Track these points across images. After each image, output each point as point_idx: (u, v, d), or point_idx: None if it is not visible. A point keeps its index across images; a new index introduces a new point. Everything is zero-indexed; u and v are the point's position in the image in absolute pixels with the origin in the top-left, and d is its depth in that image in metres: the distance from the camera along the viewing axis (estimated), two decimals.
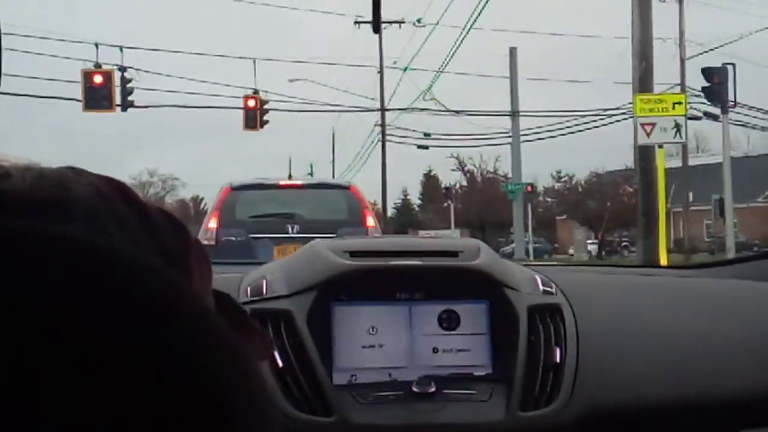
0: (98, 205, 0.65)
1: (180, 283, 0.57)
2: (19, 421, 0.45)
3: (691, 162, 36.23)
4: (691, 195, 34.38)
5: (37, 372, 0.46)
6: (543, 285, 1.80)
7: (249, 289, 1.74)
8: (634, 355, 1.74)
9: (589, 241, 45.40)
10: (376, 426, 1.57)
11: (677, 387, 1.70)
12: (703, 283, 2.22)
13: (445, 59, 30.36)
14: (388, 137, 33.93)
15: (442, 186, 56.61)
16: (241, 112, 23.27)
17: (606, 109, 31.58)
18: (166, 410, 0.48)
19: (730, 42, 33.52)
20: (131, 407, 0.48)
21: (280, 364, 1.58)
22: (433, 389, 1.61)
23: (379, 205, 34.46)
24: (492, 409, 1.60)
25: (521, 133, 29.39)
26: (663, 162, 13.69)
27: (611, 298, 1.94)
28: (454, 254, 1.81)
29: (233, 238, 9.26)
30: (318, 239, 1.91)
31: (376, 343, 1.69)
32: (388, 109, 33.91)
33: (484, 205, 49.22)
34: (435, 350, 1.70)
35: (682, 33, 31.87)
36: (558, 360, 1.65)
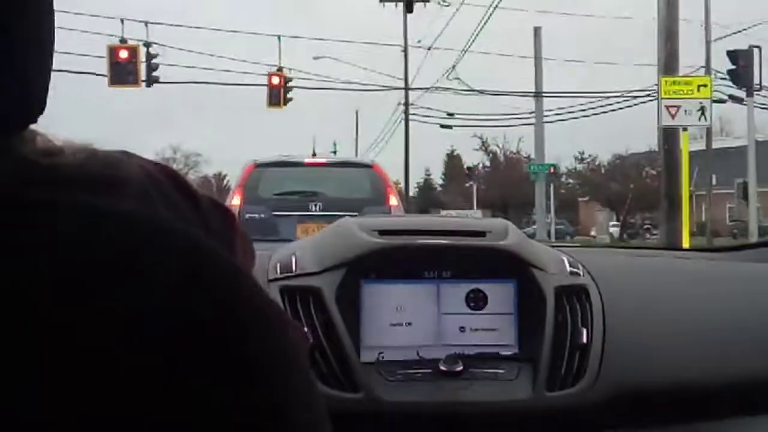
0: (148, 186, 0.66)
1: (234, 263, 0.59)
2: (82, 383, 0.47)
3: (715, 145, 35.92)
4: (714, 178, 34.13)
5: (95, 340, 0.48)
6: (570, 266, 1.81)
7: (278, 265, 1.76)
8: (660, 337, 1.75)
9: (611, 223, 45.24)
10: (404, 403, 1.59)
11: (703, 369, 1.71)
12: (729, 266, 2.22)
13: (470, 39, 30.26)
14: (411, 116, 33.90)
15: (465, 166, 56.55)
16: (265, 89, 23.30)
17: (630, 91, 31.29)
18: (225, 380, 0.51)
19: (756, 25, 33.13)
20: (192, 380, 0.50)
21: (309, 340, 1.60)
22: (460, 368, 1.63)
23: (402, 185, 34.46)
24: (519, 388, 1.62)
25: (545, 113, 29.26)
26: (687, 145, 13.61)
27: (638, 280, 1.95)
28: (482, 234, 1.82)
29: (256, 216, 9.28)
30: (347, 217, 1.92)
31: (404, 321, 1.70)
32: (411, 89, 33.84)
33: (507, 185, 49.16)
34: (462, 329, 1.72)
35: (707, 14, 31.58)
36: (584, 341, 1.66)
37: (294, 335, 0.59)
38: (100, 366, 0.48)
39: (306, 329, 1.61)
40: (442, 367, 1.63)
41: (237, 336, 0.53)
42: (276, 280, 1.71)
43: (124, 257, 0.52)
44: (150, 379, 0.49)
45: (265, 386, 0.53)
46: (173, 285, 0.52)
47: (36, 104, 0.62)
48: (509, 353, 1.70)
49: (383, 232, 1.78)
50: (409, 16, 33.44)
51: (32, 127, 0.64)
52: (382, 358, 1.67)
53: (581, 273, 1.81)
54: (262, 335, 0.55)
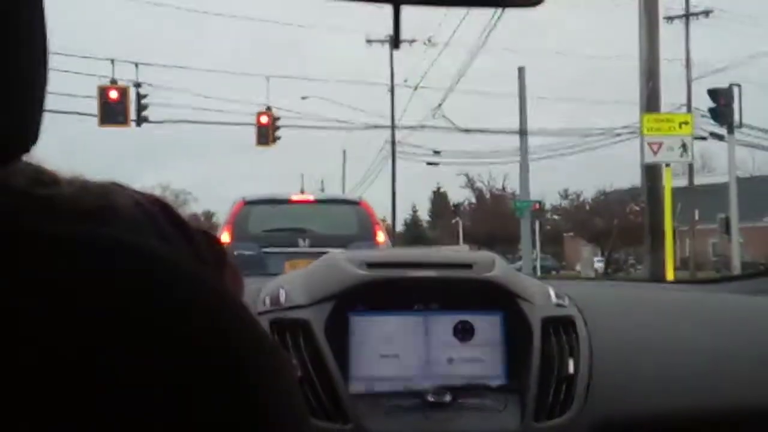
0: (139, 216, 0.67)
1: (224, 291, 0.60)
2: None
3: (697, 181, 36.13)
4: (696, 214, 34.25)
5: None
6: (556, 297, 1.82)
7: (267, 299, 1.76)
8: (646, 368, 1.76)
9: (596, 259, 45.27)
10: None
11: (689, 400, 1.72)
12: (715, 298, 2.24)
13: (455, 78, 30.42)
14: (398, 154, 33.99)
15: (451, 203, 56.60)
16: (254, 128, 23.34)
17: (613, 128, 31.50)
18: (215, 407, 0.52)
19: (737, 64, 33.43)
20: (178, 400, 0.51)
21: (298, 372, 1.60)
22: (448, 399, 1.64)
23: (389, 221, 34.44)
24: (507, 418, 1.63)
25: (529, 151, 29.35)
26: (670, 180, 13.69)
27: (623, 311, 1.96)
28: (468, 266, 1.83)
29: (245, 252, 9.26)
30: (335, 250, 1.94)
31: (392, 352, 1.71)
32: (398, 127, 33.95)
33: (493, 222, 49.15)
34: (450, 360, 1.72)
35: (688, 53, 31.91)
36: (571, 371, 1.67)
37: (285, 361, 0.60)
38: (95, 389, 0.49)
39: (295, 361, 1.61)
40: (431, 398, 1.64)
41: (229, 362, 0.54)
42: (265, 312, 1.71)
43: (120, 287, 0.53)
44: (140, 404, 0.50)
45: (256, 390, 0.54)
46: (164, 313, 0.53)
47: (30, 135, 0.63)
48: (497, 384, 1.71)
49: (371, 265, 1.79)
50: (395, 55, 33.69)
51: (24, 157, 0.64)
52: (371, 389, 1.67)
53: (567, 304, 1.82)
54: (253, 360, 0.56)
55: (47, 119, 0.64)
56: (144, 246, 0.59)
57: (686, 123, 13.56)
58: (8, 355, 0.48)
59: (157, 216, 0.70)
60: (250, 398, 0.53)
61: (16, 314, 0.49)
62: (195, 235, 0.73)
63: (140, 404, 0.49)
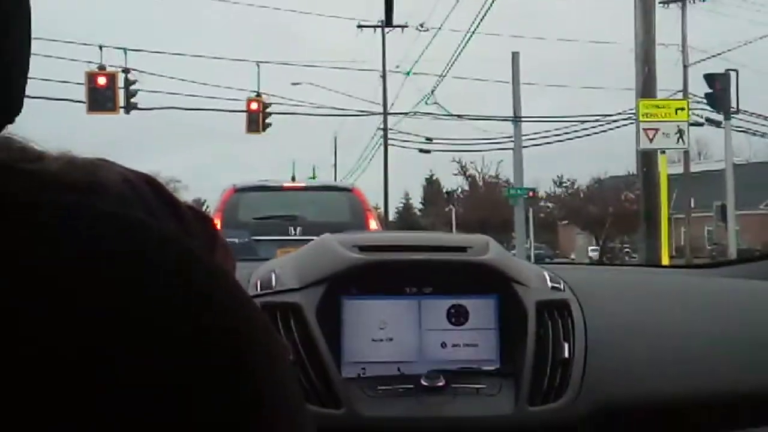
0: (127, 192, 0.65)
1: (217, 263, 0.58)
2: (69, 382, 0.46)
3: (693, 168, 36.22)
4: (692, 201, 34.34)
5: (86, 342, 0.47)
6: (551, 281, 1.81)
7: (258, 282, 1.75)
8: (642, 351, 1.74)
9: (590, 247, 45.41)
10: (385, 418, 1.58)
11: (684, 383, 1.71)
12: (710, 282, 2.22)
13: (448, 64, 30.41)
14: (390, 141, 33.96)
15: (444, 190, 56.69)
16: (244, 115, 23.23)
17: (608, 115, 31.46)
18: (204, 384, 0.50)
19: (733, 48, 33.46)
20: (171, 378, 0.49)
21: (291, 356, 1.58)
22: (442, 383, 1.62)
23: (381, 209, 34.47)
24: (501, 403, 1.61)
25: (523, 138, 29.33)
26: (665, 167, 13.69)
27: (619, 295, 1.95)
28: (463, 249, 1.81)
29: (236, 240, 9.23)
30: (327, 234, 1.92)
31: (386, 336, 1.70)
32: (390, 113, 33.91)
33: (486, 209, 49.18)
34: (443, 345, 1.71)
35: (684, 38, 31.94)
36: (566, 355, 1.66)
37: (282, 348, 0.59)
38: (82, 365, 0.47)
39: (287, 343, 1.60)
40: (424, 383, 1.62)
41: (230, 354, 0.52)
42: (256, 296, 1.69)
43: (109, 256, 0.51)
44: (136, 379, 0.47)
45: (252, 378, 0.52)
46: (158, 284, 0.51)
47: (14, 104, 0.62)
48: (491, 368, 1.69)
49: (364, 248, 1.78)
50: (388, 40, 33.70)
51: (9, 134, 0.63)
52: (364, 373, 1.66)
53: (562, 288, 1.80)
54: (252, 352, 0.54)
55: (32, 107, 0.63)
56: (132, 217, 0.57)
57: (682, 109, 13.52)
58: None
59: (145, 192, 0.68)
60: (248, 393, 0.51)
61: None
62: (185, 213, 0.72)
63: (140, 402, 0.47)
